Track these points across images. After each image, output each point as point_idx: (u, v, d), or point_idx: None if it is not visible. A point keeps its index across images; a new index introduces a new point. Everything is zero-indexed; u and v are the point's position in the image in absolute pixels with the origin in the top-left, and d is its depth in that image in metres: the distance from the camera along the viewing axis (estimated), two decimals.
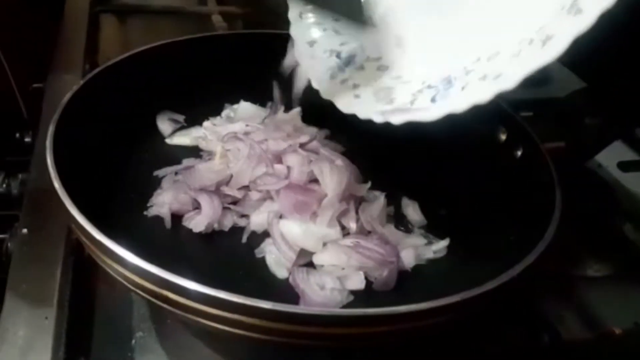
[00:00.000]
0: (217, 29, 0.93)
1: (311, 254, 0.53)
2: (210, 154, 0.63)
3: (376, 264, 0.52)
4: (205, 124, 0.68)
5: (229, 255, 0.54)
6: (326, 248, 0.53)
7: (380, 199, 0.59)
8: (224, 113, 0.70)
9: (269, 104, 0.71)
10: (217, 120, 0.69)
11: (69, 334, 0.48)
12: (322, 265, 0.52)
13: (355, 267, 0.52)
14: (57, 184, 0.45)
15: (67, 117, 0.53)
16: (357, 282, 0.51)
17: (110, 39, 0.96)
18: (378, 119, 0.47)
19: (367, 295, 0.51)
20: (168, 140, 0.67)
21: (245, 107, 0.70)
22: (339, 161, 0.59)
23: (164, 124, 0.68)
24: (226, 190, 0.58)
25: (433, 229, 0.59)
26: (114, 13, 1.02)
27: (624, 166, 0.75)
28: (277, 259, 0.53)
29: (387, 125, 0.46)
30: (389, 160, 0.67)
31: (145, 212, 0.56)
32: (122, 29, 1.00)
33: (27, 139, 0.74)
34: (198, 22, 1.00)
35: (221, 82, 0.72)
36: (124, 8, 1.03)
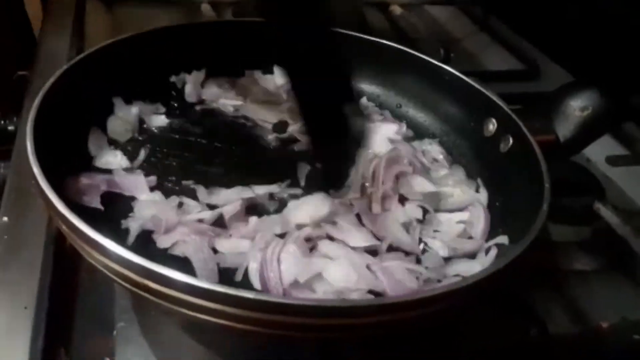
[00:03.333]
0: (206, 18, 0.92)
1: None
2: None
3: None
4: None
5: None
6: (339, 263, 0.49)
7: None
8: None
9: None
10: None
11: (49, 323, 0.47)
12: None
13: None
14: (36, 170, 0.44)
15: (48, 104, 0.52)
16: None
17: (97, 26, 0.94)
18: None
19: None
20: None
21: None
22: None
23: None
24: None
25: None
26: (101, 0, 1.00)
27: (612, 160, 0.75)
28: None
29: None
30: None
31: (122, 220, 0.52)
32: (110, 17, 0.99)
33: (10, 127, 0.72)
34: (187, 10, 0.99)
35: (209, 70, 0.71)
36: None
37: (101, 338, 0.48)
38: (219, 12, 0.96)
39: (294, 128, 0.67)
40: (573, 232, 0.65)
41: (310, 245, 0.51)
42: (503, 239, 0.52)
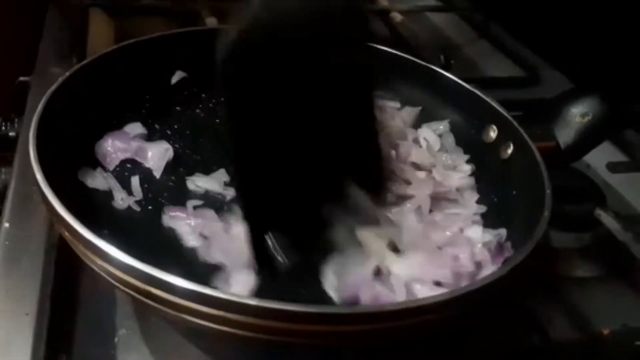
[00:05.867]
0: (207, 25, 0.93)
1: None
2: None
3: None
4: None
5: None
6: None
7: None
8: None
9: None
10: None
11: (50, 330, 0.47)
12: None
13: None
14: (39, 177, 0.44)
15: (51, 110, 0.52)
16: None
17: (99, 33, 0.94)
18: None
19: None
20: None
21: None
22: None
23: None
24: None
25: None
26: (104, 7, 1.01)
27: (613, 167, 0.75)
28: None
29: None
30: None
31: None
32: (112, 24, 0.99)
33: (12, 134, 0.73)
34: (188, 18, 0.99)
35: (211, 77, 0.71)
36: (113, 2, 1.02)
37: (103, 345, 0.48)
38: (221, 20, 0.96)
39: None
40: (574, 238, 0.65)
41: None
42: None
